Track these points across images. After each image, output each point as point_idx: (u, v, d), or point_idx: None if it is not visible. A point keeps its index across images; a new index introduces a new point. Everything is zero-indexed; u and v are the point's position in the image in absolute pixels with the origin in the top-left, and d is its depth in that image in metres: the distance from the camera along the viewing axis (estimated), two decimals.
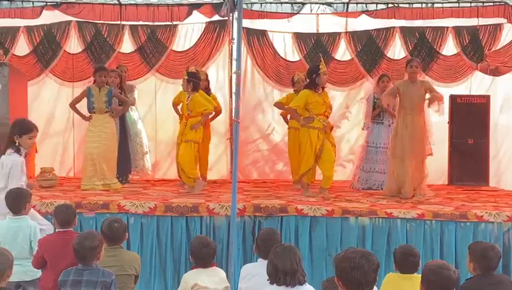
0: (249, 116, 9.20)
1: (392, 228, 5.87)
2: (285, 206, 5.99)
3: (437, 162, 8.16)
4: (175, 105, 7.95)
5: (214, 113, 7.69)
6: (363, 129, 8.34)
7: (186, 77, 7.10)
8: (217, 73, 9.18)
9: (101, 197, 6.26)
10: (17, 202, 4.62)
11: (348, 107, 9.14)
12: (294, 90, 8.06)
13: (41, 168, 7.49)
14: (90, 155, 7.08)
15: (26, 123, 5.19)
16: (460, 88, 9.02)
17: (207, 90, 7.84)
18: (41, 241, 4.34)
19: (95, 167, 7.03)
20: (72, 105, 7.46)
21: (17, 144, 4.90)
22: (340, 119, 8.97)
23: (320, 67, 6.85)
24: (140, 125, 8.51)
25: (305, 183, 7.02)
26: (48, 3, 8.83)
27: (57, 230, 4.44)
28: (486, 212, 5.92)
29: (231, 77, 8.92)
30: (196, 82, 7.18)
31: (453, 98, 8.64)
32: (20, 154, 4.90)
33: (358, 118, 9.02)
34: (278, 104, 8.32)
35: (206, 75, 8.16)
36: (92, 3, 8.87)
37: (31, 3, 8.82)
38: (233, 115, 6.87)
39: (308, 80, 7.06)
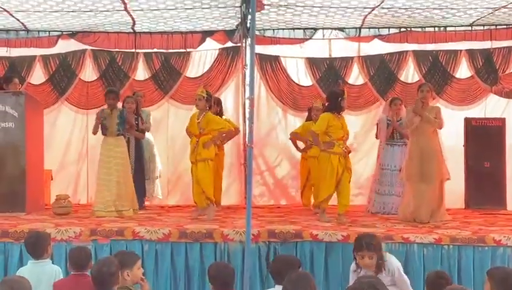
0: (263, 142, 9.20)
1: (408, 253, 5.78)
2: (300, 232, 5.92)
3: (453, 186, 8.05)
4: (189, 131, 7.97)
5: (233, 132, 7.69)
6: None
7: (205, 96, 7.07)
8: (226, 99, 9.16)
9: (116, 224, 6.25)
10: (38, 246, 4.46)
11: (356, 138, 9.06)
12: (309, 117, 8.03)
13: (56, 196, 7.52)
14: (103, 180, 7.10)
15: None
16: (475, 111, 8.98)
17: (219, 115, 7.85)
18: (55, 284, 4.14)
19: (108, 191, 7.03)
20: (95, 132, 7.32)
21: None
22: None
23: (344, 91, 7.05)
24: (156, 150, 8.55)
25: (324, 208, 6.97)
26: (64, 33, 8.98)
27: (71, 273, 4.25)
28: (504, 237, 5.81)
29: (244, 102, 8.96)
30: (211, 101, 7.29)
31: (468, 121, 8.60)
32: None
33: (366, 148, 8.98)
34: (294, 134, 8.29)
35: (219, 101, 8.19)
36: (107, 32, 9.01)
37: (47, 32, 8.98)
38: (246, 140, 6.86)
39: (329, 104, 7.03)
